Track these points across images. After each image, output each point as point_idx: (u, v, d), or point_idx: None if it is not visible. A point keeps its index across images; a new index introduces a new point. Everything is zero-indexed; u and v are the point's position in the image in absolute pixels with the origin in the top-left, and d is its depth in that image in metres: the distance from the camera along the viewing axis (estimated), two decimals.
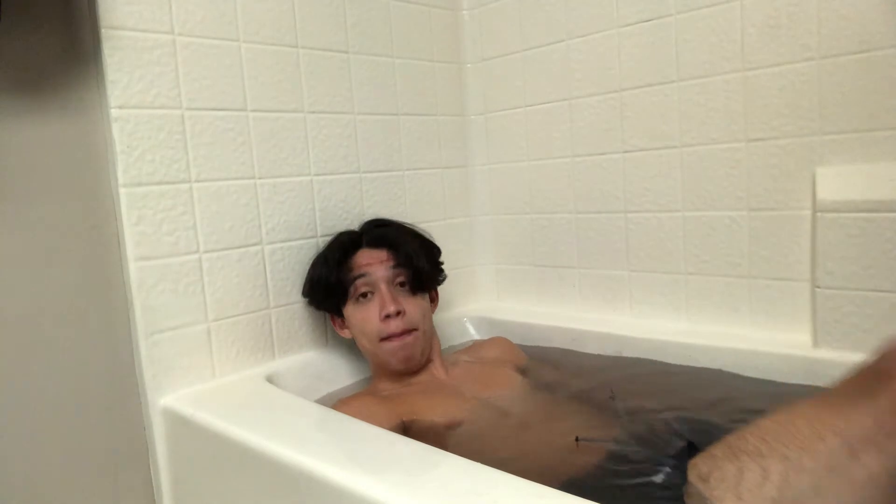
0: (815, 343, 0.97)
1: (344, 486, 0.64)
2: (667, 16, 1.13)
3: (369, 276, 1.05)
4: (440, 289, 1.17)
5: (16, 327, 0.86)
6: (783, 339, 1.02)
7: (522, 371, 1.12)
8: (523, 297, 1.45)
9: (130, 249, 0.94)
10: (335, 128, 1.20)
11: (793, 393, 0.93)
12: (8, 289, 0.86)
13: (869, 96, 0.94)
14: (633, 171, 1.21)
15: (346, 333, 1.10)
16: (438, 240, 1.17)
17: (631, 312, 1.26)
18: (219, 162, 1.03)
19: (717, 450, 0.60)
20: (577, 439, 0.83)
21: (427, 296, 1.11)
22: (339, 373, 1.16)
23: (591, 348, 1.20)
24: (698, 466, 0.60)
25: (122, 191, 0.93)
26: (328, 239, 1.15)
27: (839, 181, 0.95)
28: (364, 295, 1.05)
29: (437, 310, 1.16)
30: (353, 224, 1.19)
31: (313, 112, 1.16)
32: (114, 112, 0.92)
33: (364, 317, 1.04)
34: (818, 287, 0.96)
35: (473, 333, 1.40)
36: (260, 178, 1.09)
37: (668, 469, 0.71)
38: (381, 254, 1.07)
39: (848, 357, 0.91)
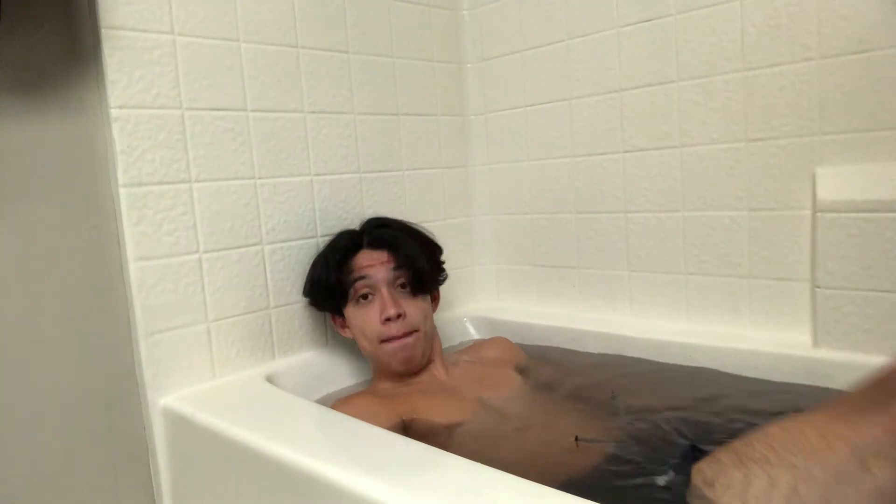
0: (815, 343, 0.97)
1: (344, 486, 0.64)
2: (667, 16, 1.13)
3: (370, 278, 1.04)
4: (441, 288, 1.17)
5: (16, 327, 0.86)
6: (783, 339, 1.02)
7: (523, 371, 1.12)
8: (523, 297, 1.45)
9: (130, 249, 0.94)
10: (335, 128, 1.20)
11: (793, 393, 0.93)
12: (8, 289, 0.86)
13: (869, 96, 0.94)
14: (633, 171, 1.21)
15: (346, 333, 1.10)
16: (438, 240, 1.17)
17: (631, 312, 1.26)
18: (219, 162, 1.03)
19: (723, 455, 0.60)
20: (576, 439, 0.83)
21: (428, 297, 1.10)
22: (339, 373, 1.16)
23: (591, 348, 1.20)
24: (703, 471, 0.60)
25: (122, 191, 0.93)
26: (328, 239, 1.14)
27: (839, 181, 0.95)
28: (364, 296, 1.05)
29: (437, 309, 1.16)
30: (353, 224, 1.19)
31: (313, 112, 1.16)
32: (114, 112, 0.92)
33: (364, 319, 1.04)
34: (818, 287, 0.96)
35: (473, 333, 1.40)
36: (260, 178, 1.09)
37: (668, 469, 0.71)
38: (382, 255, 1.06)
39: (848, 357, 0.92)
